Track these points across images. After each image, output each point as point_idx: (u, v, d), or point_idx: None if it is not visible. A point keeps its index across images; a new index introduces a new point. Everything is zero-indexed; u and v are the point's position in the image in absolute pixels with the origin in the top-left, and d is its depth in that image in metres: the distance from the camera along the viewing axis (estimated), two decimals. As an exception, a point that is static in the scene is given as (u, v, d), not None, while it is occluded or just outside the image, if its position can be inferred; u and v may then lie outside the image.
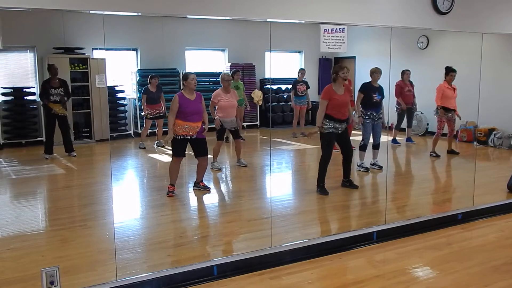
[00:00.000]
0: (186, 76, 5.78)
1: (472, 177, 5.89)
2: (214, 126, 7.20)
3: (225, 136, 7.78)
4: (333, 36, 4.45)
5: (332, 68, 6.01)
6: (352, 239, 4.45)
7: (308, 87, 10.43)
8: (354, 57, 10.78)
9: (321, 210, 5.68)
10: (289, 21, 4.50)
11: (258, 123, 12.08)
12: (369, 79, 6.96)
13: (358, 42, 9.68)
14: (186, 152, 5.94)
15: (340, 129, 5.88)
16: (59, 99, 8.00)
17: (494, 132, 9.22)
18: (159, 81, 8.90)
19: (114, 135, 10.14)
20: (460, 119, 8.19)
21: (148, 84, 8.78)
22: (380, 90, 6.93)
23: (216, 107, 7.11)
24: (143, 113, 8.96)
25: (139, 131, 9.85)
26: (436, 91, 7.94)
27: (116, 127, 10.27)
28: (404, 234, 4.68)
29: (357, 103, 6.98)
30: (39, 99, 8.88)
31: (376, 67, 6.90)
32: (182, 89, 5.85)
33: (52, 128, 8.04)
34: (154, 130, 9.22)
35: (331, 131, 5.84)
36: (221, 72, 11.52)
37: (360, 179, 6.94)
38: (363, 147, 7.11)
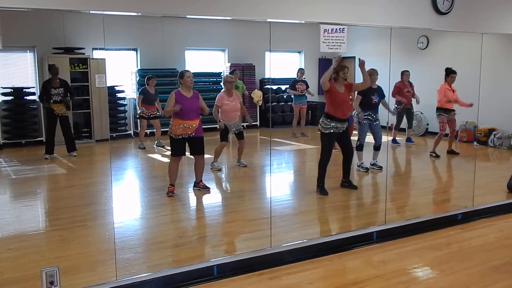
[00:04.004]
0: (182, 74, 5.79)
1: (472, 177, 5.89)
2: (214, 126, 7.22)
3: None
4: (333, 36, 4.44)
5: (333, 68, 6.00)
6: (351, 239, 4.45)
7: (307, 87, 10.46)
8: (354, 57, 10.76)
9: (321, 210, 5.68)
10: (289, 21, 4.50)
11: (258, 123, 12.09)
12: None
13: (358, 42, 9.66)
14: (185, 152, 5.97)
15: (341, 128, 5.88)
16: (60, 99, 8.01)
17: (494, 132, 9.22)
18: (156, 81, 8.93)
19: (114, 135, 10.14)
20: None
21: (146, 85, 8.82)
22: (378, 91, 6.94)
23: (220, 110, 7.10)
24: (138, 111, 8.92)
25: (139, 131, 9.86)
26: (437, 93, 7.96)
27: (116, 127, 10.27)
28: (404, 234, 4.67)
29: (355, 104, 6.95)
30: (39, 99, 8.89)
31: (372, 68, 6.89)
32: (179, 87, 5.85)
33: (53, 128, 8.04)
34: (154, 130, 9.23)
35: (332, 131, 5.84)
36: (221, 72, 11.53)
37: (360, 179, 6.95)
38: (359, 147, 7.11)
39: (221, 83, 7.32)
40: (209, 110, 6.21)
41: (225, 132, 7.17)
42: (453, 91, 7.90)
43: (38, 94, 8.50)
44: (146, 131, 9.50)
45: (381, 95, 6.99)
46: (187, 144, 5.89)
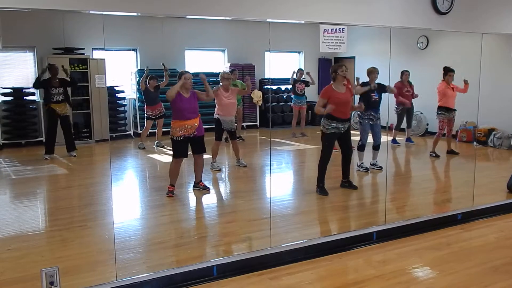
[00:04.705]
0: (182, 75, 5.79)
1: (471, 177, 5.89)
2: (212, 126, 7.22)
3: (224, 137, 7.79)
4: (333, 36, 4.44)
5: (331, 67, 6.04)
6: (351, 239, 4.45)
7: (307, 85, 10.44)
8: (353, 57, 10.79)
9: (320, 210, 5.68)
10: (289, 21, 4.51)
11: (257, 123, 12.09)
12: (367, 79, 6.97)
13: (358, 42, 9.68)
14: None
15: (342, 128, 5.88)
16: (61, 99, 8.01)
17: (493, 132, 9.22)
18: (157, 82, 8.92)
19: (114, 135, 10.14)
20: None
21: (146, 85, 8.81)
22: (377, 88, 6.94)
23: (216, 105, 7.12)
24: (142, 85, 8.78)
25: (139, 131, 9.85)
26: (438, 93, 7.97)
27: (116, 127, 10.27)
28: (404, 234, 4.67)
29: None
30: (39, 99, 8.88)
31: (373, 67, 6.91)
32: None
33: (54, 128, 8.05)
34: (154, 130, 9.22)
35: (333, 131, 5.84)
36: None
37: (359, 179, 6.95)
38: (361, 147, 7.11)
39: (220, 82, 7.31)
40: (212, 94, 6.18)
41: (219, 131, 7.18)
42: (453, 89, 7.91)
43: (35, 82, 8.19)
44: (146, 131, 9.50)
45: (382, 90, 6.98)
46: (189, 145, 5.90)
